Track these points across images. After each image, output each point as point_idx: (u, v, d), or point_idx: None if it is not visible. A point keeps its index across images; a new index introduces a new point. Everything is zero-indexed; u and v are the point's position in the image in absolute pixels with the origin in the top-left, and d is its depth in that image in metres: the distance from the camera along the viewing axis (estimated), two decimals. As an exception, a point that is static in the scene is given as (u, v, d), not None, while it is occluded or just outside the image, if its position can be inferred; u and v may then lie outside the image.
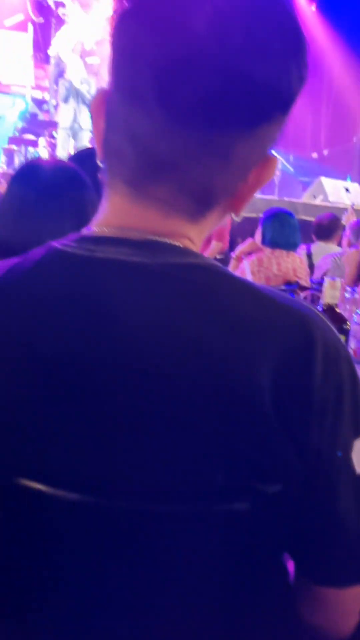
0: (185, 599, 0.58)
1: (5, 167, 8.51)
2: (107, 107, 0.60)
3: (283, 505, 0.58)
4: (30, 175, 1.37)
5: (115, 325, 0.55)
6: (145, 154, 0.57)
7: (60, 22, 9.51)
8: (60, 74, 7.32)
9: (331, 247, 4.51)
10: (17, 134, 9.57)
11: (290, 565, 0.67)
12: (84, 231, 0.62)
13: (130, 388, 0.54)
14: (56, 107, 9.81)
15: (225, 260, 4.34)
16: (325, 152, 10.87)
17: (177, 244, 0.60)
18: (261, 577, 0.62)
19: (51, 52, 7.40)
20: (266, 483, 0.56)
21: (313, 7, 11.30)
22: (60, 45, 7.78)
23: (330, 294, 1.83)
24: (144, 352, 0.54)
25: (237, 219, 0.64)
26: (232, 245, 4.57)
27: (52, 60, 7.47)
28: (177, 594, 0.58)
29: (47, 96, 10.29)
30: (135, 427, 0.54)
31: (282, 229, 3.63)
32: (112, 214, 0.61)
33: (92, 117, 0.63)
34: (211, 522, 0.56)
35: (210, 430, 0.54)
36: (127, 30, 0.56)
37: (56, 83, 9.05)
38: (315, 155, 10.98)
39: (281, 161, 10.05)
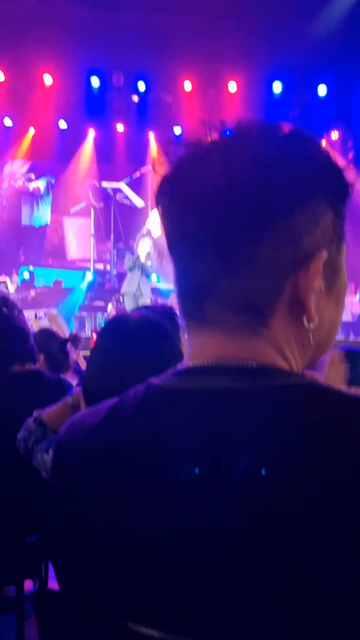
0: None
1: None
2: None
3: None
4: (115, 328, 1.43)
5: (227, 456, 0.54)
6: (189, 290, 0.63)
7: (118, 204, 10.66)
8: (130, 249, 8.37)
9: None
10: (86, 302, 10.28)
11: None
12: (180, 366, 0.64)
13: (241, 529, 0.52)
14: (116, 276, 10.64)
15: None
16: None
17: (272, 365, 0.60)
18: None
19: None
20: None
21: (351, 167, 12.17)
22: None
23: None
24: (254, 484, 0.53)
25: (311, 326, 0.61)
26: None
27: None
28: None
29: (108, 267, 11.16)
30: (250, 576, 0.52)
31: (355, 367, 3.55)
32: (195, 348, 0.63)
33: None
34: None
35: (325, 577, 0.51)
36: (162, 205, 0.65)
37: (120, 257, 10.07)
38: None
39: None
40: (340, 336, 9.54)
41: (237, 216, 0.58)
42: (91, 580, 0.60)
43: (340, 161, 0.64)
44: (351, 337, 9.44)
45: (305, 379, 0.59)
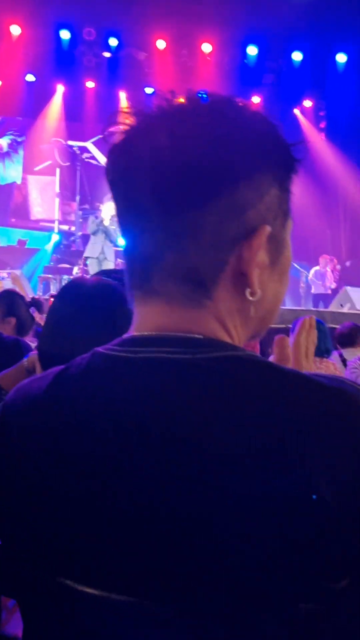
0: None
1: (41, 293, 8.92)
2: None
3: (353, 599, 0.55)
4: (71, 291, 1.42)
5: (165, 423, 0.56)
6: (136, 261, 0.63)
7: (84, 164, 10.41)
8: (94, 212, 8.20)
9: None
10: (52, 264, 10.12)
11: None
12: (125, 336, 0.64)
13: (181, 492, 0.54)
14: (81, 237, 10.46)
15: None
16: (348, 263, 11.17)
17: (215, 338, 0.61)
18: None
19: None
20: (333, 580, 0.53)
21: (322, 136, 12.18)
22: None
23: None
24: (191, 452, 0.54)
25: (253, 298, 0.62)
26: (264, 356, 4.57)
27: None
28: None
29: (73, 229, 10.95)
30: (187, 533, 0.53)
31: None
32: (141, 318, 0.64)
33: None
34: (277, 625, 0.53)
35: (267, 531, 0.52)
36: (111, 170, 0.65)
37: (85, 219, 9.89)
38: (338, 267, 11.25)
39: (305, 274, 10.35)
40: (309, 306, 9.67)
41: (182, 187, 0.59)
42: (27, 540, 0.62)
43: (302, 135, 0.65)
44: (320, 307, 9.54)
45: (244, 352, 0.60)
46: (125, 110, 0.64)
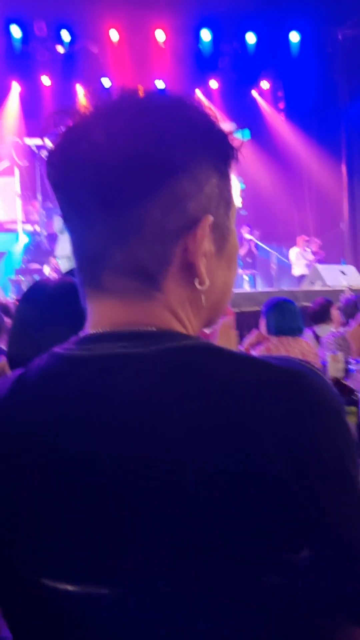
0: None
1: (14, 296, 8.82)
2: None
3: (315, 569, 0.57)
4: (34, 294, 1.42)
5: (124, 417, 0.57)
6: (85, 260, 0.65)
7: (44, 162, 10.26)
8: (58, 210, 8.06)
9: (333, 327, 4.54)
10: (23, 266, 10.00)
11: None
12: (81, 334, 0.66)
13: (146, 481, 0.55)
14: (47, 237, 10.33)
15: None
16: (316, 241, 11.20)
17: (168, 329, 0.63)
18: None
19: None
20: (292, 551, 0.55)
21: (282, 116, 12.18)
22: None
23: (334, 367, 1.84)
24: (152, 441, 0.56)
25: (203, 287, 0.64)
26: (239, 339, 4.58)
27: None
28: None
29: (37, 228, 10.81)
30: (155, 517, 0.55)
31: (284, 316, 3.67)
32: (95, 315, 0.66)
33: None
34: (245, 599, 0.56)
35: (226, 511, 0.54)
36: (51, 174, 0.66)
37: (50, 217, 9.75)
38: (319, 241, 11.22)
39: (276, 255, 10.35)
40: (281, 287, 9.67)
41: (121, 185, 0.60)
42: (2, 543, 0.62)
43: (225, 126, 0.65)
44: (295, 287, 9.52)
45: (197, 341, 0.62)
46: (62, 111, 0.65)
